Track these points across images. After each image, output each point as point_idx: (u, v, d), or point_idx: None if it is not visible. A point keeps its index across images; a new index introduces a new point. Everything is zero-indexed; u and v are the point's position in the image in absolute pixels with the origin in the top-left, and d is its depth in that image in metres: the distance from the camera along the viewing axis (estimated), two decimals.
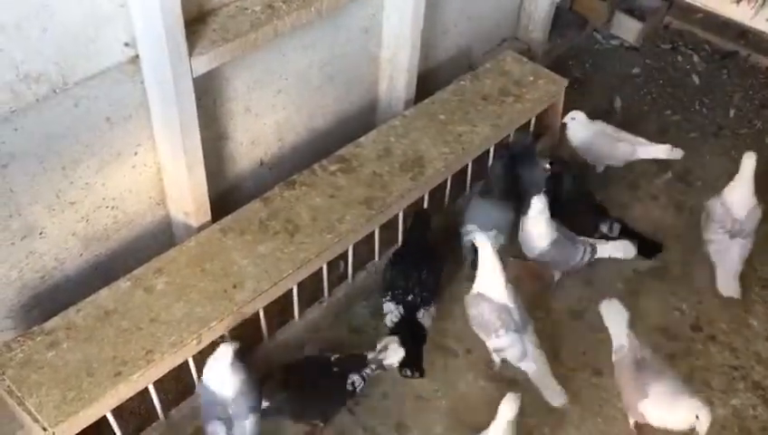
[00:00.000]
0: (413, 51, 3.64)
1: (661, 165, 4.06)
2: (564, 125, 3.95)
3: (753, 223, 3.50)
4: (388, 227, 3.40)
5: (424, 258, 3.24)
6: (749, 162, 3.47)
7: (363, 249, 3.37)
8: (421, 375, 3.02)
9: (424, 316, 3.14)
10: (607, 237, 3.47)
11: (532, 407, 3.05)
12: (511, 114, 3.71)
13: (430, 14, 3.74)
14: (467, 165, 3.67)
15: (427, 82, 4.00)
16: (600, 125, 3.90)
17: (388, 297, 3.17)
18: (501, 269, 3.01)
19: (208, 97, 2.98)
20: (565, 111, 4.01)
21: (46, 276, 2.85)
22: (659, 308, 3.50)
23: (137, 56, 2.61)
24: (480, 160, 3.72)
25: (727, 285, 3.48)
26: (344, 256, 3.25)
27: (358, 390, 2.90)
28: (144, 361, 2.60)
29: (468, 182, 3.79)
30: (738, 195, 3.48)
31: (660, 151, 3.82)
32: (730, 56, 4.82)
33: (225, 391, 2.59)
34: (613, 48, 4.90)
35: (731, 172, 4.00)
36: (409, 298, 3.14)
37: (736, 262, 3.47)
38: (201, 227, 3.07)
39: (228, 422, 2.62)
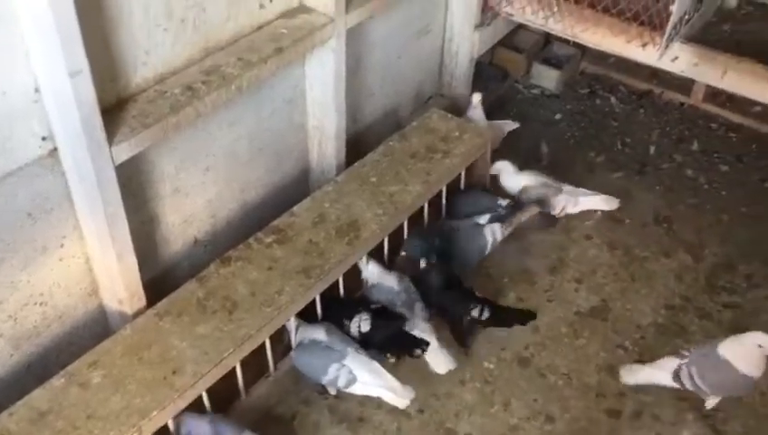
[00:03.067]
0: (338, 117, 3.69)
1: None
2: (494, 176, 4.08)
3: None
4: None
5: None
6: None
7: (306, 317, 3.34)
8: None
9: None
10: (479, 322, 3.50)
11: None
12: (440, 170, 3.78)
13: (352, 80, 3.82)
14: (403, 223, 3.71)
15: (358, 145, 4.05)
16: (537, 176, 4.06)
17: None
18: None
19: (134, 182, 2.96)
20: (494, 161, 4.13)
21: None
22: (603, 347, 3.55)
23: (55, 149, 2.57)
24: (415, 217, 3.77)
25: None
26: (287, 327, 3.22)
27: None
28: None
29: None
30: None
31: (600, 202, 4.11)
32: (645, 95, 5.05)
33: None
34: (535, 96, 5.07)
35: (657, 209, 4.18)
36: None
37: None
38: (136, 314, 3.00)
39: None
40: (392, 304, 3.48)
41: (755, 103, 4.40)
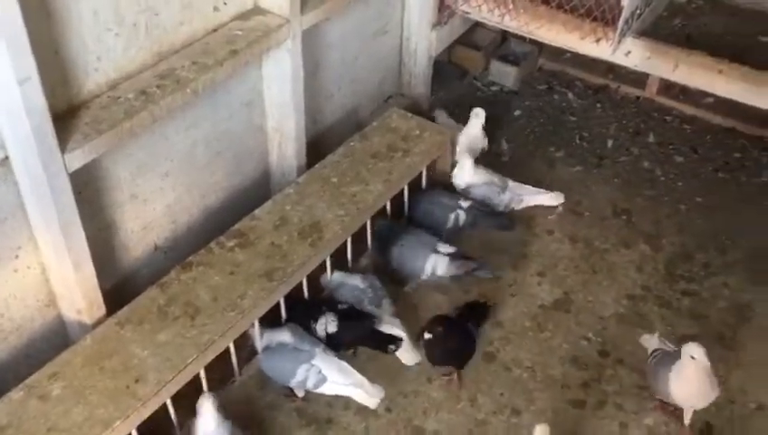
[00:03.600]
0: (298, 118, 3.68)
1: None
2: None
3: None
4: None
5: None
6: None
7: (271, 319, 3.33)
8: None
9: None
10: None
11: None
12: (401, 169, 3.79)
13: (311, 81, 3.82)
14: (366, 223, 3.71)
15: (319, 147, 4.04)
16: (486, 174, 4.08)
17: None
18: None
19: (90, 189, 2.91)
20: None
21: None
22: (567, 339, 3.59)
23: (6, 158, 2.53)
24: (378, 216, 3.78)
25: None
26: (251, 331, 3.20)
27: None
28: None
29: (369, 239, 3.83)
30: None
31: (545, 198, 4.18)
32: (601, 90, 5.12)
33: None
34: (494, 94, 5.11)
35: (615, 202, 4.25)
36: None
37: None
38: (96, 323, 2.96)
39: None
40: (359, 302, 3.49)
41: (707, 95, 4.49)
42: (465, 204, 3.96)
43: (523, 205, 4.14)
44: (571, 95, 5.09)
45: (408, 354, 3.40)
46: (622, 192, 4.37)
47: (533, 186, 4.20)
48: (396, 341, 3.34)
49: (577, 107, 5.01)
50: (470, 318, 3.49)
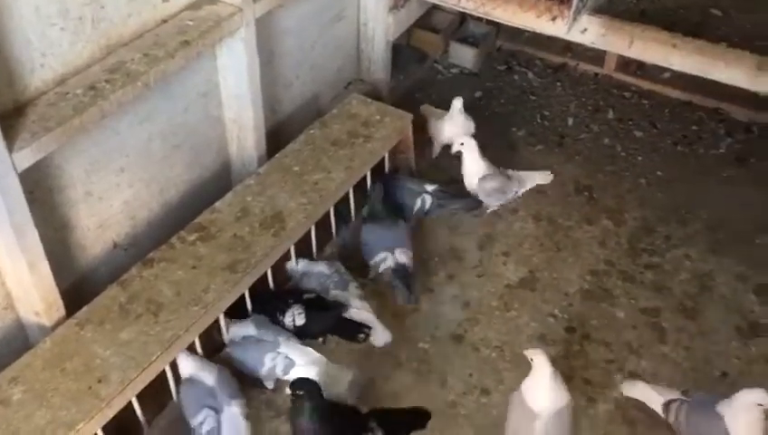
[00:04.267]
0: (255, 108, 3.64)
1: None
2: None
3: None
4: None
5: None
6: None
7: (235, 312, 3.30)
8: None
9: None
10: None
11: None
12: (363, 155, 3.77)
13: (268, 70, 3.77)
14: (328, 211, 3.69)
15: (279, 136, 4.00)
16: (489, 164, 4.07)
17: None
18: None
19: (42, 188, 2.85)
20: (416, 145, 4.16)
21: None
22: (534, 317, 3.62)
23: None
24: (341, 203, 3.76)
25: None
26: (216, 324, 3.17)
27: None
28: None
29: (333, 227, 3.81)
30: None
31: (538, 178, 4.22)
32: (560, 69, 5.14)
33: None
34: (454, 76, 5.10)
35: (577, 179, 4.28)
36: None
37: None
38: (56, 325, 2.90)
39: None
40: (325, 289, 3.47)
41: (664, 70, 4.53)
42: (430, 187, 3.98)
43: (525, 188, 4.16)
44: (530, 75, 5.11)
45: (378, 336, 3.39)
46: (584, 169, 4.41)
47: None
48: (364, 329, 3.34)
49: (537, 86, 5.02)
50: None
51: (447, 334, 3.54)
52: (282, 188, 3.55)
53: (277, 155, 3.73)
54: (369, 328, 3.36)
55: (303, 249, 3.61)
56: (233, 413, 2.95)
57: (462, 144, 4.02)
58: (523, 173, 4.20)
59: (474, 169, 4.03)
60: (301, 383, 2.82)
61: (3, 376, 2.70)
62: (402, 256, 3.63)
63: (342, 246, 3.85)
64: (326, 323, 3.38)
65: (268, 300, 3.42)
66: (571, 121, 4.74)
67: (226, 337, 3.23)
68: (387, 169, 4.06)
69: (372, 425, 2.93)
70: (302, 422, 2.79)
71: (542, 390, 2.83)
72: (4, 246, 2.65)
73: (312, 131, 3.89)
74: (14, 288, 2.83)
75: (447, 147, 4.21)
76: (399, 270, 3.61)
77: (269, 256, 3.28)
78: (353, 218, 3.91)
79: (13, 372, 2.71)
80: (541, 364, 2.84)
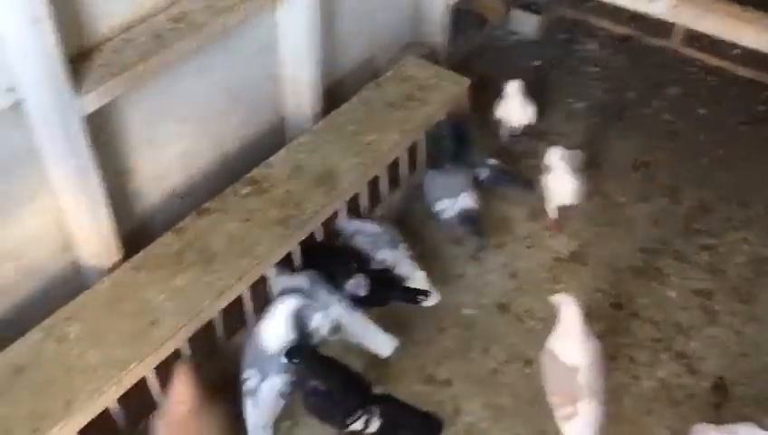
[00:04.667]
0: (314, 66, 3.63)
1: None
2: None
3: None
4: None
5: None
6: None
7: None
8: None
9: None
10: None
11: (471, 405, 3.09)
12: (417, 118, 3.74)
13: (327, 28, 3.75)
14: (380, 172, 3.68)
15: (335, 95, 3.99)
16: None
17: None
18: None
19: (105, 133, 2.91)
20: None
21: None
22: (582, 291, 3.57)
23: (21, 101, 2.51)
24: (392, 166, 3.75)
25: None
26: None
27: None
28: (63, 412, 2.50)
29: (386, 189, 3.80)
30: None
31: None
32: (624, 41, 5.00)
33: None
34: (514, 43, 5.01)
35: (635, 155, 4.16)
36: None
37: None
38: (113, 268, 2.98)
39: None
40: (375, 246, 3.45)
41: (735, 46, 4.37)
42: (491, 161, 3.94)
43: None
44: (593, 45, 4.97)
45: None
46: (642, 145, 4.30)
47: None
48: (424, 293, 3.34)
49: (599, 57, 4.90)
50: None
51: (492, 303, 3.53)
52: (335, 146, 3.55)
53: (332, 113, 3.73)
54: (428, 292, 3.34)
55: (354, 209, 3.62)
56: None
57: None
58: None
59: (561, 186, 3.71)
60: (297, 352, 2.86)
61: (61, 314, 2.79)
62: (467, 200, 3.63)
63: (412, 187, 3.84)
64: (388, 299, 3.36)
65: (327, 256, 3.41)
66: (632, 95, 4.61)
67: (275, 289, 3.27)
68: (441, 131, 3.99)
69: (373, 409, 2.84)
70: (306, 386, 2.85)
71: (573, 342, 2.73)
72: (67, 187, 2.72)
73: (367, 92, 3.87)
74: (74, 231, 2.91)
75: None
76: (466, 215, 3.62)
77: (320, 213, 3.30)
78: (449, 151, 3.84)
79: (70, 310, 2.80)
80: (570, 314, 2.74)
